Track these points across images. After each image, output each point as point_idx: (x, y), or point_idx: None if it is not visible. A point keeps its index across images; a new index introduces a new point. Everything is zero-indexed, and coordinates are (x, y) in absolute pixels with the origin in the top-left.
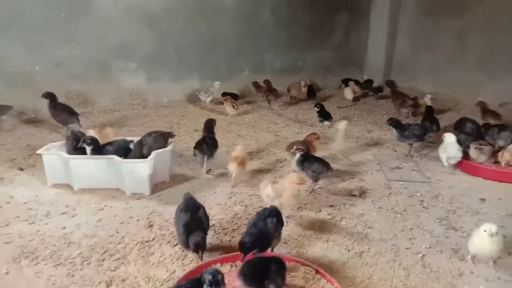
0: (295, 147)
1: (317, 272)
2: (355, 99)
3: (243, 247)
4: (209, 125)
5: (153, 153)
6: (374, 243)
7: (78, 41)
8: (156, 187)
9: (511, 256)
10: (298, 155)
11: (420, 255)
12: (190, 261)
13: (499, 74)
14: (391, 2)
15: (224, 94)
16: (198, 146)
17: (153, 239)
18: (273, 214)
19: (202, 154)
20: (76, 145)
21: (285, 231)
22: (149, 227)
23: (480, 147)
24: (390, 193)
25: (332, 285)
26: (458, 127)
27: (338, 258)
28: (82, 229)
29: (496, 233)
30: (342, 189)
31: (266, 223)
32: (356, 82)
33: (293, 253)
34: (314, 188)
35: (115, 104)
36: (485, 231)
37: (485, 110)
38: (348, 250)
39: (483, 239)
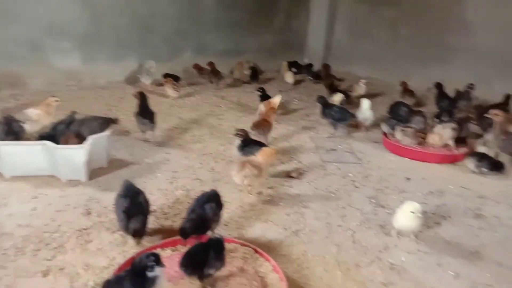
0: (236, 132)
1: (255, 251)
2: (296, 83)
3: (183, 233)
4: (145, 98)
5: (90, 138)
6: (309, 222)
7: (7, 19)
8: (94, 173)
9: (429, 229)
10: (237, 141)
11: (350, 232)
12: (131, 247)
13: (428, 61)
14: None
15: (166, 76)
16: (147, 114)
17: (91, 226)
18: (212, 199)
19: (151, 123)
20: (8, 130)
21: (226, 214)
22: (87, 214)
23: (404, 129)
24: (325, 174)
25: (269, 262)
26: (391, 111)
27: (276, 238)
28: (14, 219)
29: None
30: (281, 171)
31: (204, 208)
32: (297, 64)
33: (233, 234)
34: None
35: (48, 85)
36: (412, 212)
37: (405, 89)
38: (285, 229)
39: (406, 216)
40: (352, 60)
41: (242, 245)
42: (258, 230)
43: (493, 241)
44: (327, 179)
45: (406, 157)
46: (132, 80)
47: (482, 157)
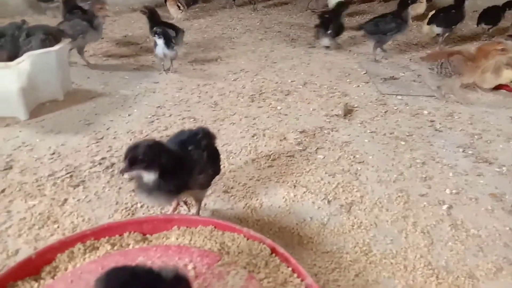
0: None
1: (273, 251)
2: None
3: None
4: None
5: (26, 56)
6: (370, 187)
7: None
8: (40, 108)
9: None
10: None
11: (444, 207)
12: (50, 234)
13: None
14: None
15: None
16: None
17: (4, 190)
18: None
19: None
20: None
21: (228, 171)
22: (4, 169)
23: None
24: (385, 111)
25: (300, 278)
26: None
27: (312, 216)
28: None
29: None
30: (318, 107)
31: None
32: None
33: (236, 209)
34: None
35: None
36: None
37: None
38: (328, 201)
39: None
40: None
41: (248, 237)
42: (280, 201)
43: None
44: (390, 119)
45: (503, 89)
46: None
47: None
